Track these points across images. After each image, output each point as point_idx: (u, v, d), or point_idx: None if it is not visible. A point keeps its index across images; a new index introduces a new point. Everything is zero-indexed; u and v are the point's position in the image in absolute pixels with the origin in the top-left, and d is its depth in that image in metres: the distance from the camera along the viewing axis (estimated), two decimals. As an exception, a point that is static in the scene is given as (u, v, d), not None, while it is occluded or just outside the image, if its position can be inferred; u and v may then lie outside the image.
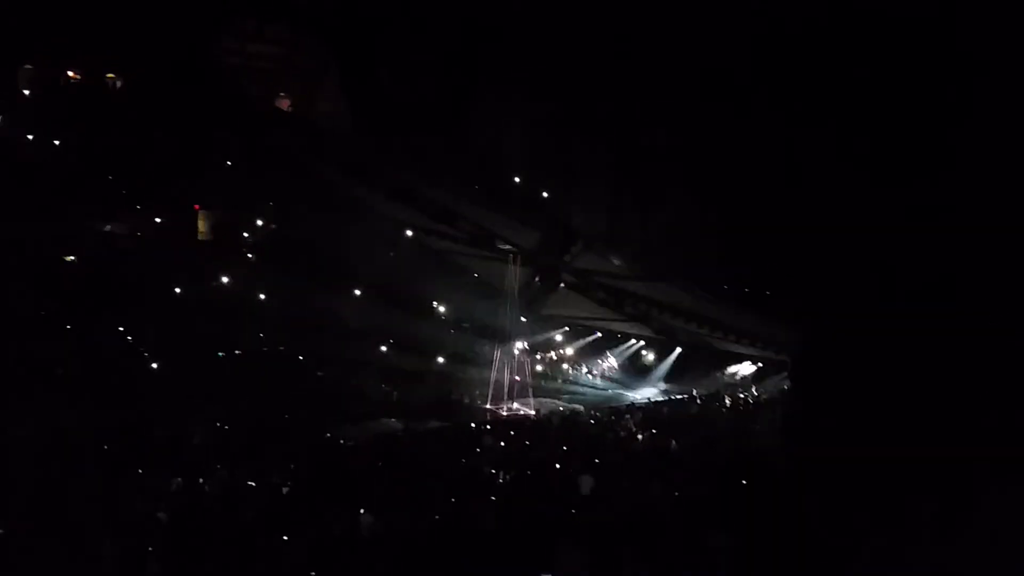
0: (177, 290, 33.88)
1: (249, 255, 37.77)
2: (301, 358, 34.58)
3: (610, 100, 32.41)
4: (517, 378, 37.94)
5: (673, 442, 26.52)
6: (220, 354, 32.70)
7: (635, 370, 44.40)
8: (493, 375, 36.96)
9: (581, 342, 45.01)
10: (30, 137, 34.50)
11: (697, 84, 27.33)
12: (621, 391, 42.57)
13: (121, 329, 31.38)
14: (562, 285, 40.16)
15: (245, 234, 38.41)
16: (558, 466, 23.02)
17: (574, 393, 41.26)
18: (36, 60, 35.77)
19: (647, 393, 41.67)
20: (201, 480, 20.34)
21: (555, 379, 42.52)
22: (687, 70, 27.47)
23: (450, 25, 35.56)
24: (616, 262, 37.38)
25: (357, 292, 37.78)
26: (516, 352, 38.98)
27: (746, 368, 42.41)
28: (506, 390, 37.03)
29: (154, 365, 30.52)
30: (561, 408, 37.14)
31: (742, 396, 41.01)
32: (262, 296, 36.09)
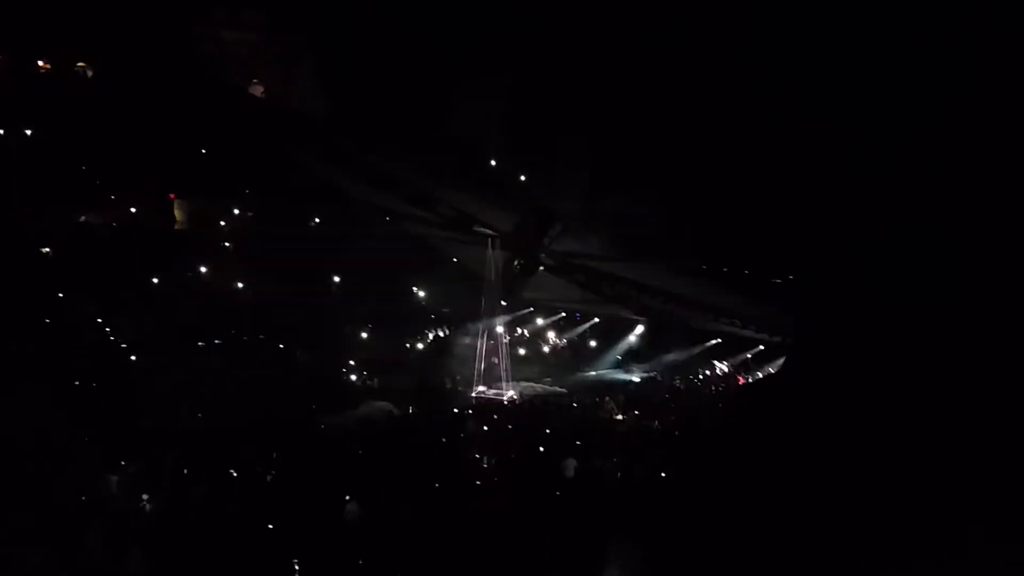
0: (154, 280, 33.66)
1: (226, 243, 37.54)
2: (281, 346, 34.44)
3: (587, 81, 32.34)
4: (497, 362, 37.93)
5: (656, 422, 26.67)
6: (200, 344, 32.52)
7: (616, 351, 44.51)
8: (474, 360, 36.96)
9: (561, 324, 45.13)
10: (0, 131, 34.10)
11: (676, 63, 27.29)
12: (603, 372, 42.68)
13: (99, 320, 31.15)
14: (541, 268, 40.16)
15: (222, 223, 38.17)
16: (542, 449, 23.10)
17: (556, 376, 41.33)
18: (5, 50, 35.33)
19: (629, 374, 41.84)
20: (185, 470, 20.27)
21: (536, 362, 42.55)
22: (665, 49, 27.43)
23: (426, 8, 35.37)
24: (595, 244, 37.40)
25: (336, 279, 37.68)
26: (497, 336, 38.97)
27: (726, 348, 42.67)
28: (488, 375, 37.03)
29: (133, 356, 30.31)
30: (543, 391, 37.23)
31: (721, 375, 41.38)
32: (240, 284, 35.91)
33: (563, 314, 44.93)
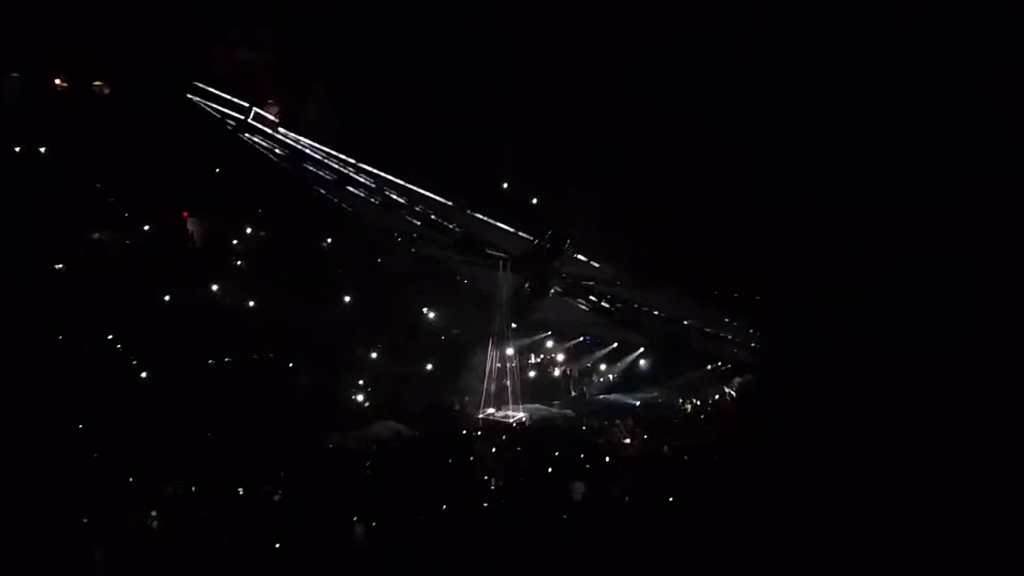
0: (166, 298, 33.69)
1: (238, 262, 37.59)
2: (291, 365, 34.44)
3: (599, 105, 32.44)
4: (507, 384, 37.82)
5: (665, 447, 26.57)
6: (210, 362, 32.55)
7: (625, 375, 44.33)
8: (483, 382, 36.86)
9: (571, 348, 44.97)
10: (17, 148, 34.28)
11: (688, 88, 27.37)
12: (612, 396, 42.50)
13: (110, 337, 31.21)
14: (552, 291, 40.10)
15: (234, 241, 38.22)
16: (550, 472, 23.02)
17: (564, 399, 41.20)
18: (23, 70, 35.59)
19: (638, 398, 41.65)
20: (193, 489, 20.27)
21: (545, 385, 42.39)
22: (677, 75, 27.52)
23: (439, 32, 35.57)
24: (606, 268, 37.40)
25: (347, 299, 37.66)
26: (506, 358, 38.88)
27: (735, 372, 42.42)
28: (497, 397, 36.93)
29: (144, 374, 30.36)
30: (552, 414, 37.11)
31: (729, 400, 41.15)
32: (251, 303, 35.95)
33: (573, 337, 44.77)
